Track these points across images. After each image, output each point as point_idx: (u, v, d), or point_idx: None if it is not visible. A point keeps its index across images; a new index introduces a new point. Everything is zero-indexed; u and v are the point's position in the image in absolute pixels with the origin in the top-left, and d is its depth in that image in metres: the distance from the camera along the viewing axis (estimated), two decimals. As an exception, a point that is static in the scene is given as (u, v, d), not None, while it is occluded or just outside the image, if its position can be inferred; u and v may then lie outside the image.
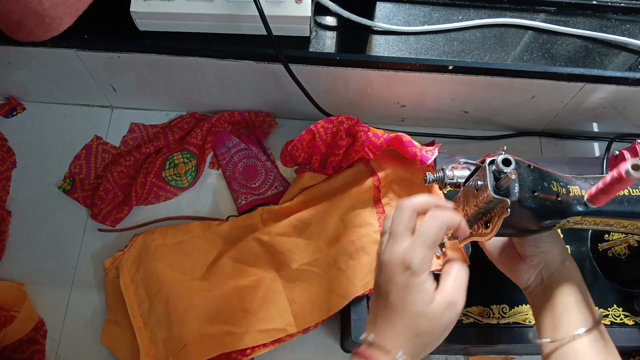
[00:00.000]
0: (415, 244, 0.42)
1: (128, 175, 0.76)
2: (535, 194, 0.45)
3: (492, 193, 0.44)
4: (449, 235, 0.51)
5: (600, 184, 0.45)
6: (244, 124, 0.79)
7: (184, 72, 0.70)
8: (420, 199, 0.46)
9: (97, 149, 0.78)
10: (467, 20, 0.68)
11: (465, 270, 0.46)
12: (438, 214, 0.44)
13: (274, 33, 0.59)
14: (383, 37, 0.67)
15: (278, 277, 0.66)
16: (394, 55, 0.65)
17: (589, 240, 0.66)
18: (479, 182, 0.46)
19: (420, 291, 0.42)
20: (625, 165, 0.40)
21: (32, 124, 0.80)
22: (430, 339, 0.43)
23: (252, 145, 0.78)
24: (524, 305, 0.63)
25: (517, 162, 0.45)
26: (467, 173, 0.52)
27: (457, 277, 0.45)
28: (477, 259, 0.64)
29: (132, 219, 0.74)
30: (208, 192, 0.77)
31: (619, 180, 0.42)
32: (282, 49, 0.62)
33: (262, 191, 0.74)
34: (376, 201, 0.66)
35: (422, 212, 0.46)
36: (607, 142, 0.74)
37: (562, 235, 0.66)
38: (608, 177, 0.43)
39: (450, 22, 0.68)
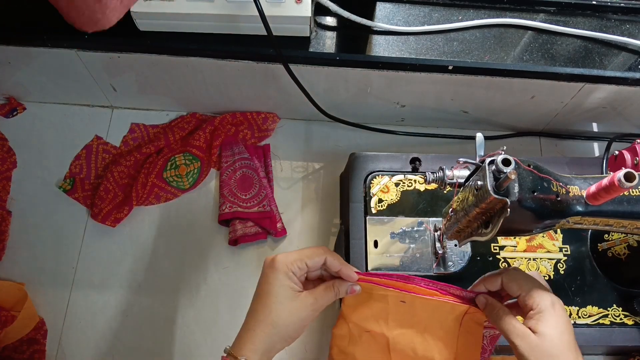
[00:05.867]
0: (290, 253, 0.50)
1: (128, 175, 0.76)
2: (535, 194, 0.45)
3: (492, 193, 0.44)
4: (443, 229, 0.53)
5: (596, 187, 0.45)
6: (247, 125, 0.79)
7: (184, 72, 0.70)
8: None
9: (98, 149, 0.78)
10: (466, 20, 0.68)
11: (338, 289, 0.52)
12: (325, 250, 0.51)
13: (274, 33, 0.59)
14: (383, 37, 0.67)
15: None
16: (394, 55, 0.65)
17: (588, 240, 0.66)
18: (479, 182, 0.46)
19: (283, 286, 0.48)
20: (619, 174, 0.41)
21: (33, 124, 0.80)
22: (287, 331, 0.48)
23: (255, 158, 0.78)
24: (523, 305, 0.63)
25: (516, 162, 0.45)
26: (466, 173, 0.52)
27: (328, 286, 0.51)
28: (477, 260, 0.65)
29: (132, 219, 0.74)
30: (208, 194, 0.77)
31: (612, 187, 0.42)
32: (282, 49, 0.62)
33: (248, 205, 0.74)
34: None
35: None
36: (606, 142, 0.74)
37: (562, 235, 0.66)
38: (604, 181, 0.43)
39: (450, 23, 0.68)
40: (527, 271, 0.64)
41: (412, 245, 0.65)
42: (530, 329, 0.47)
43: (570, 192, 0.48)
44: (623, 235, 0.62)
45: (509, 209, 0.43)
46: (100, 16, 0.45)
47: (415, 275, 0.63)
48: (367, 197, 0.67)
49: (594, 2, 0.70)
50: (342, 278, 0.52)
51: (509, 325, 0.48)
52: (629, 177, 0.41)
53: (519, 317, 0.50)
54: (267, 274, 0.49)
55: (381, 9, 0.69)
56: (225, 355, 0.47)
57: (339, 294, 0.52)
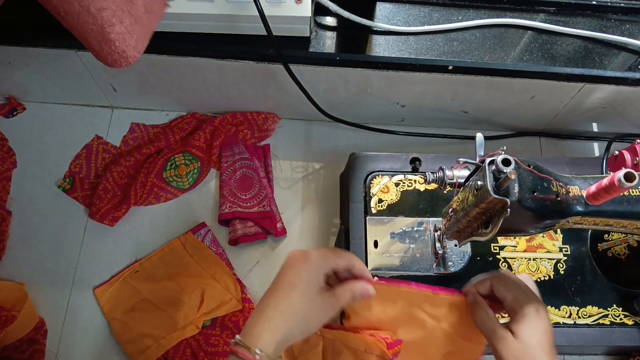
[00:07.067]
0: (321, 250, 0.49)
1: (128, 175, 0.76)
2: (535, 194, 0.45)
3: (492, 193, 0.44)
4: (442, 232, 0.54)
5: (596, 187, 0.45)
6: (247, 125, 0.79)
7: (184, 72, 0.70)
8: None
9: (98, 149, 0.78)
10: (466, 20, 0.68)
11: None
12: (350, 254, 0.51)
13: (274, 33, 0.59)
14: (383, 37, 0.67)
15: None
16: (394, 55, 0.65)
17: (588, 240, 0.66)
18: (479, 182, 0.46)
19: (312, 281, 0.47)
20: (619, 174, 0.41)
21: (33, 124, 0.80)
22: (308, 325, 0.47)
23: (255, 158, 0.78)
24: (523, 305, 0.63)
25: (516, 162, 0.45)
26: (466, 173, 0.52)
27: (346, 287, 0.50)
28: (477, 260, 0.65)
29: (132, 219, 0.74)
30: (208, 194, 0.77)
31: (612, 187, 0.42)
32: (282, 49, 0.62)
33: (248, 205, 0.73)
34: None
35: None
36: (606, 142, 0.74)
37: (562, 236, 0.66)
38: (604, 181, 0.43)
39: (450, 23, 0.68)
40: (527, 271, 0.64)
41: (412, 245, 0.65)
42: (512, 331, 0.48)
43: (570, 192, 0.48)
44: (623, 235, 0.62)
45: (509, 209, 0.43)
46: (123, 57, 0.49)
47: (415, 275, 0.63)
48: (367, 197, 0.67)
49: (594, 2, 0.70)
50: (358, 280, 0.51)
51: (491, 328, 0.50)
52: (629, 177, 0.41)
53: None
54: (296, 266, 0.48)
55: (381, 9, 0.69)
56: (234, 345, 0.45)
57: (355, 297, 0.51)
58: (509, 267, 0.64)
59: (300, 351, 0.63)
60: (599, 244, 0.65)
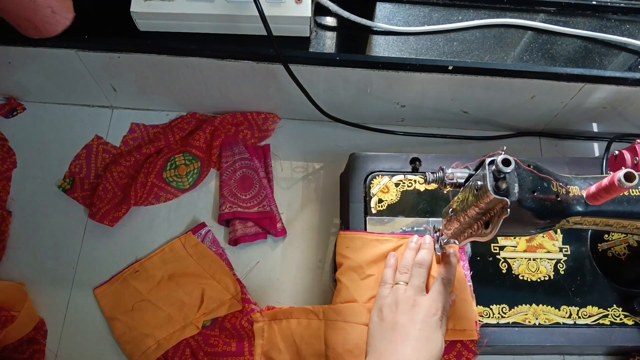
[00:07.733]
0: (438, 298, 0.57)
1: (128, 175, 0.76)
2: (535, 194, 0.45)
3: (491, 193, 0.44)
4: (447, 239, 0.57)
5: (596, 187, 0.45)
6: (247, 125, 0.79)
7: (184, 72, 0.70)
8: (429, 259, 0.60)
9: (98, 149, 0.78)
10: (467, 20, 0.68)
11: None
12: (446, 282, 0.58)
13: (274, 33, 0.59)
14: (383, 37, 0.67)
15: None
16: (394, 55, 0.65)
17: (588, 241, 0.66)
18: (479, 183, 0.46)
19: (442, 328, 0.56)
20: (619, 174, 0.41)
21: (33, 124, 0.80)
22: None
23: (255, 158, 0.78)
24: (523, 305, 0.63)
25: (516, 163, 0.45)
26: (467, 173, 0.52)
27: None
28: (477, 260, 0.65)
29: (132, 219, 0.74)
30: (208, 194, 0.77)
31: (612, 187, 0.42)
32: (282, 49, 0.62)
33: (248, 205, 0.73)
34: None
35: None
36: (606, 142, 0.74)
37: (562, 236, 0.66)
38: (604, 181, 0.43)
39: (450, 23, 0.68)
40: (527, 271, 0.64)
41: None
42: None
43: (570, 192, 0.48)
44: (623, 235, 0.63)
45: (508, 209, 0.43)
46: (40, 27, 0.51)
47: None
48: (367, 197, 0.67)
49: (594, 2, 0.70)
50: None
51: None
52: (629, 177, 0.41)
53: None
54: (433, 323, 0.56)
55: (381, 9, 0.69)
56: None
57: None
58: (509, 267, 0.64)
59: (301, 339, 0.64)
60: (599, 244, 0.65)
